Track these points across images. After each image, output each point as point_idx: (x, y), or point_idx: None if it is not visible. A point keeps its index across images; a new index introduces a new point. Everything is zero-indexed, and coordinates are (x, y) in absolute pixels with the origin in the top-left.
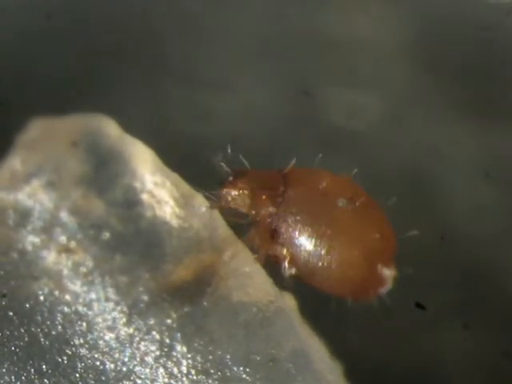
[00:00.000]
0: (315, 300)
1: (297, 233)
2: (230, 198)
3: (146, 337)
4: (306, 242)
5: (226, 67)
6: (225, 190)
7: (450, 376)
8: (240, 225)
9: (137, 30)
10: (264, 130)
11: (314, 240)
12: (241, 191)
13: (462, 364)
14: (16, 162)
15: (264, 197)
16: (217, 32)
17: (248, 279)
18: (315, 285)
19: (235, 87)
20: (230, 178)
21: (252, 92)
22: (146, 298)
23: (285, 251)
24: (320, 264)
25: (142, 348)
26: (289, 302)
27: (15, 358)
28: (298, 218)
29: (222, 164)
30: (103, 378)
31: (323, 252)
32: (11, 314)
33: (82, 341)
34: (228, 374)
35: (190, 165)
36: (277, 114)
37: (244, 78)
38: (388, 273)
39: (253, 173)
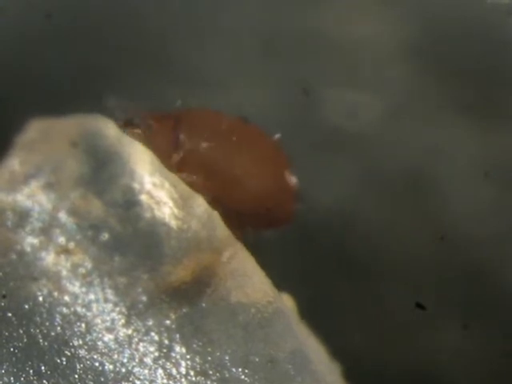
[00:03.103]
0: (314, 300)
1: (201, 163)
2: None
3: (145, 338)
4: (211, 170)
5: (225, 67)
6: (124, 128)
7: (450, 376)
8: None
9: (137, 30)
10: (264, 130)
11: (217, 166)
12: (135, 130)
13: (461, 364)
14: (15, 162)
15: (158, 136)
16: (216, 32)
17: (247, 280)
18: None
19: (235, 87)
20: (127, 119)
21: (252, 92)
22: (144, 298)
23: (197, 179)
24: (233, 185)
25: (141, 349)
26: (287, 302)
27: (14, 358)
28: (198, 151)
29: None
30: (102, 379)
31: (231, 174)
32: (10, 314)
33: (80, 342)
34: (227, 375)
35: None
36: (276, 114)
37: (244, 78)
38: (293, 179)
39: (149, 114)
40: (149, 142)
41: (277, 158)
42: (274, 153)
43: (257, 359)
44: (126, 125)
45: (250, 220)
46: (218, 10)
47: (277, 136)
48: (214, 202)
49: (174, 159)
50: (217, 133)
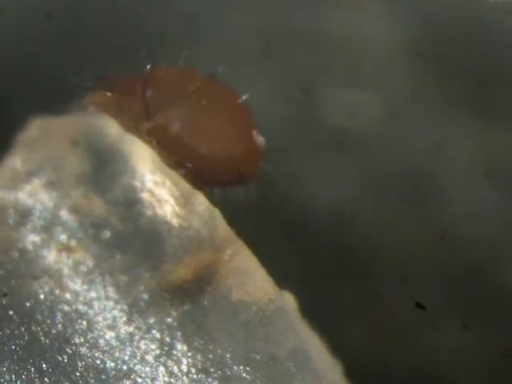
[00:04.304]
0: (315, 299)
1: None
2: (95, 104)
3: (147, 335)
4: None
5: (225, 67)
6: (88, 97)
7: (450, 376)
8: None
9: (137, 29)
10: (263, 130)
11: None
12: (102, 97)
13: (461, 364)
14: (16, 161)
15: (125, 100)
16: (217, 32)
17: (248, 278)
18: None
19: (234, 87)
20: (93, 86)
21: (251, 91)
22: (146, 296)
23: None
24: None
25: (143, 347)
26: (289, 300)
27: (15, 356)
28: (167, 113)
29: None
30: (103, 377)
31: (200, 134)
32: (11, 312)
33: (82, 339)
34: (228, 373)
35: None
36: (276, 113)
37: (244, 78)
38: (260, 139)
39: (115, 80)
40: (119, 106)
41: (244, 118)
42: (241, 112)
43: (258, 357)
44: (96, 89)
45: (217, 178)
46: (218, 9)
47: (244, 96)
48: (183, 161)
49: (144, 125)
50: (185, 93)
